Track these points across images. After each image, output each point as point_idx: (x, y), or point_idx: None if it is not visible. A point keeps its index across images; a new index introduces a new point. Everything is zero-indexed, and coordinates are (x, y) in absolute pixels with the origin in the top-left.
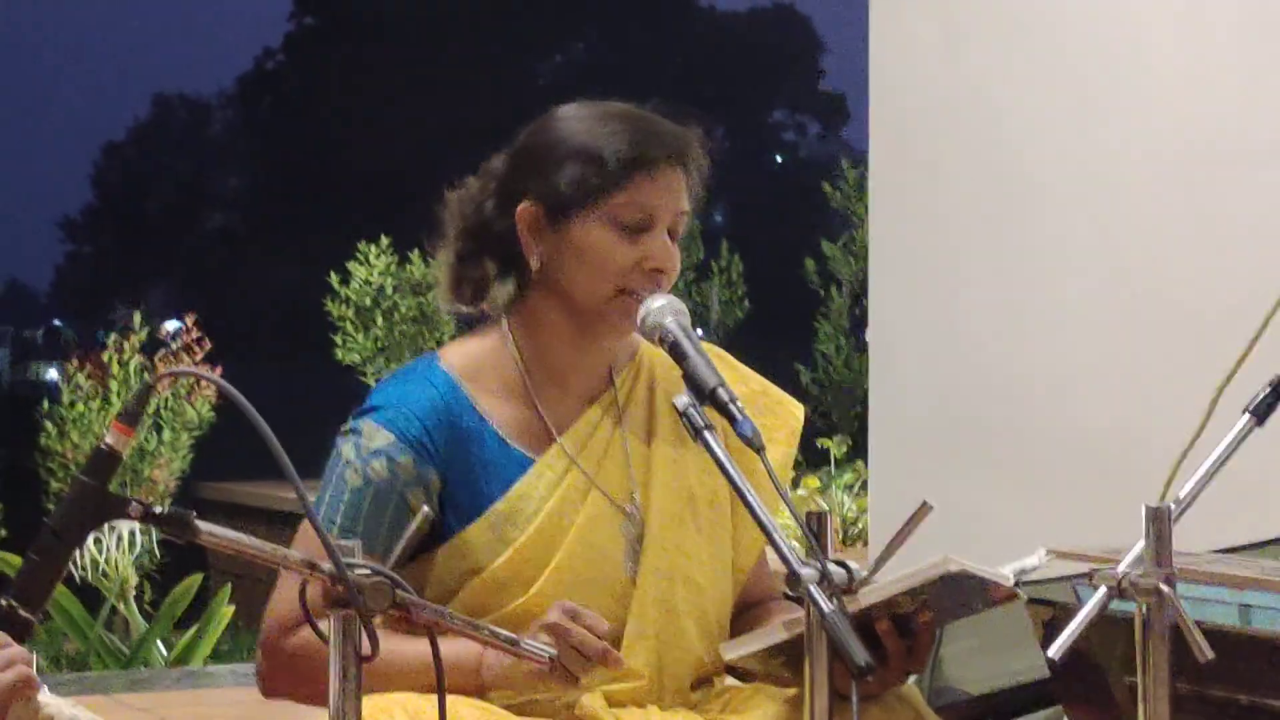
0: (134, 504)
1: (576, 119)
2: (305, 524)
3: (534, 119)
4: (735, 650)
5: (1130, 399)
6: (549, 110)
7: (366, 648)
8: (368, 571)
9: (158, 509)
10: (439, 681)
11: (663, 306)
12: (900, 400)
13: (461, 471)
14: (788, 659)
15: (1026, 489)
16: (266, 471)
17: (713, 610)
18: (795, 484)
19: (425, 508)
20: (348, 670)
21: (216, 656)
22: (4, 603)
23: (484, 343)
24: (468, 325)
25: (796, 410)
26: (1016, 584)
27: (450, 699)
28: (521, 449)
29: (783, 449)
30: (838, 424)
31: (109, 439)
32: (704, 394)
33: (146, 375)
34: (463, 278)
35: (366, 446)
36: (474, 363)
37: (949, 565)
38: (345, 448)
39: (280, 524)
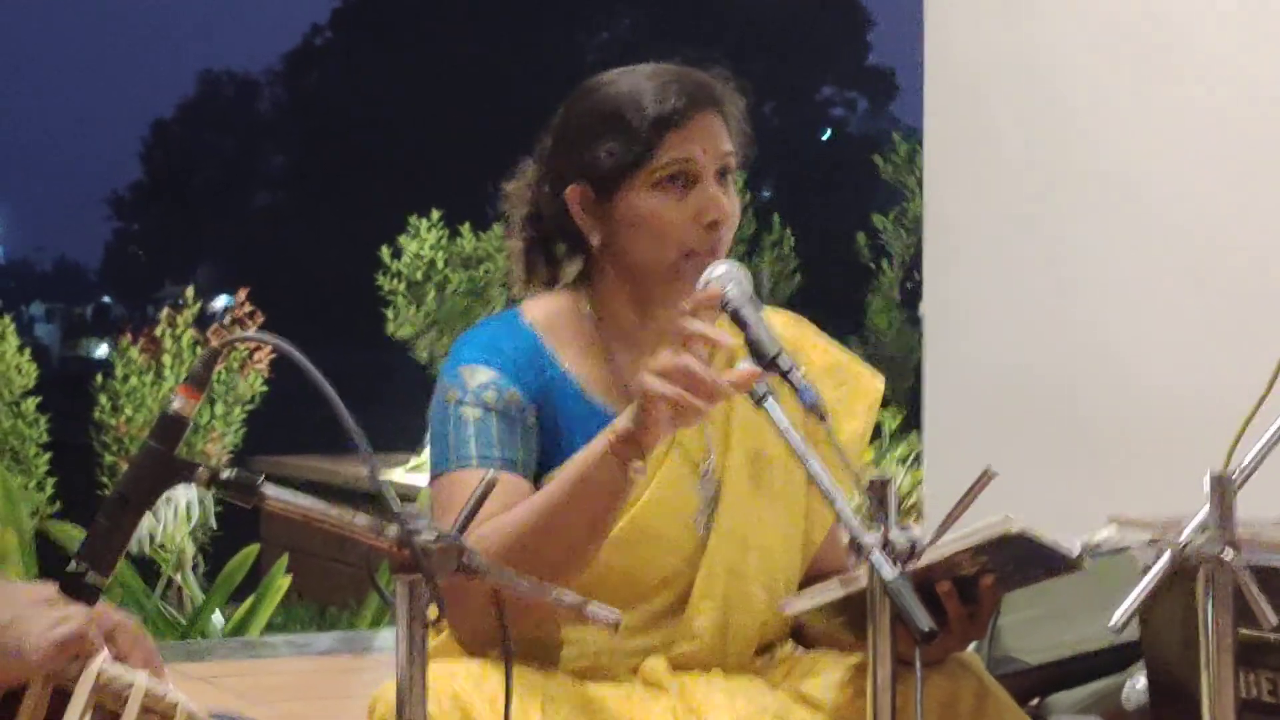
0: (201, 468)
1: (602, 91)
2: (443, 480)
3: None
4: (795, 605)
5: (1189, 368)
6: (579, 87)
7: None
8: (433, 535)
9: (225, 473)
10: (505, 649)
11: (724, 273)
12: (955, 372)
13: (548, 419)
14: (849, 619)
15: (1085, 460)
16: (318, 445)
17: (781, 576)
18: None
19: (491, 471)
20: (414, 635)
21: (271, 629)
22: (73, 567)
23: (561, 302)
24: (518, 301)
25: (876, 383)
26: (1081, 554)
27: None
28: (603, 404)
29: (861, 421)
30: (890, 397)
31: (176, 403)
32: (765, 361)
33: (200, 349)
34: (534, 264)
35: (471, 385)
36: (553, 319)
37: (1010, 525)
38: (450, 392)
39: (333, 498)
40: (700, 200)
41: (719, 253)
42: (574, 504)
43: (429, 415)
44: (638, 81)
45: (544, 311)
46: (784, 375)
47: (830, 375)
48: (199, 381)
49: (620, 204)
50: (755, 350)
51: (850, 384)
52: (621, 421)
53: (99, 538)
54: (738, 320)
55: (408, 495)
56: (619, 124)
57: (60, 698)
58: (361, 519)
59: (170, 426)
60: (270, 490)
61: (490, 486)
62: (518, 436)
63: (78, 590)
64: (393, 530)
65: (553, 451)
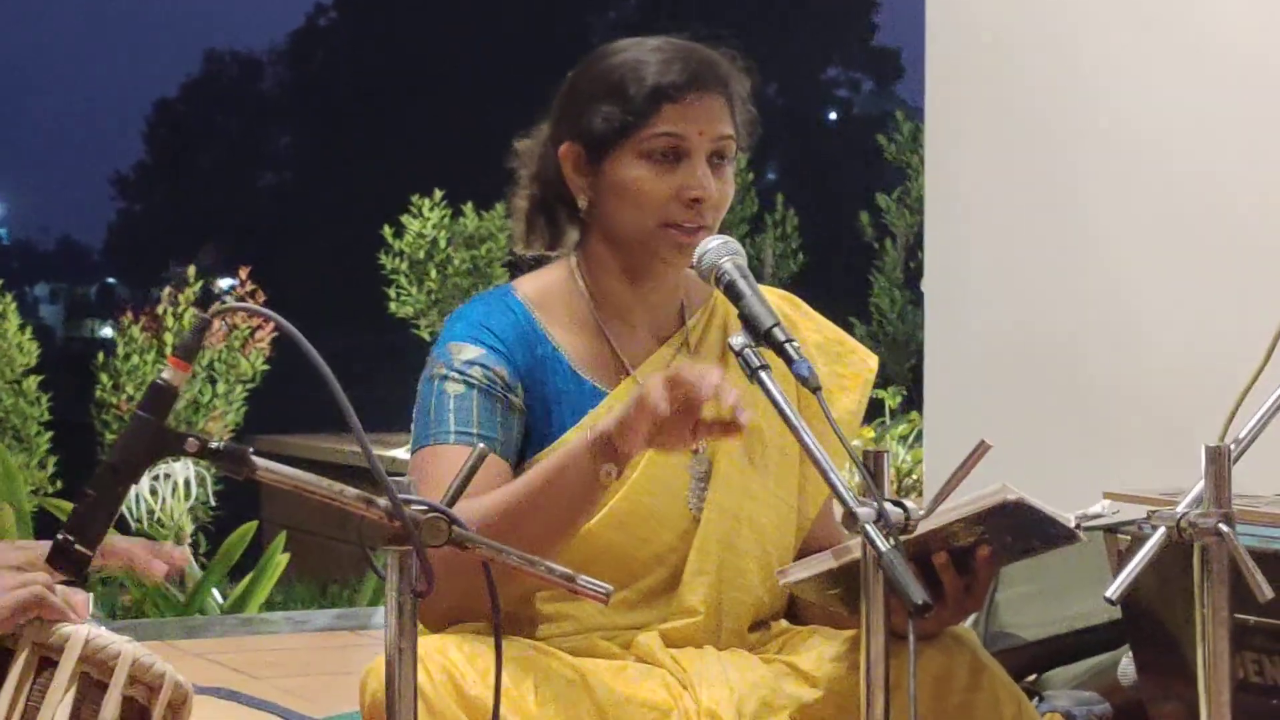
0: (191, 439)
1: (609, 57)
2: (420, 455)
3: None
4: (792, 575)
5: (1188, 347)
6: (590, 52)
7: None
8: (424, 508)
9: (214, 444)
10: (495, 620)
11: (719, 247)
12: (956, 349)
13: (538, 397)
14: (842, 592)
15: (1084, 436)
16: (320, 424)
17: (775, 552)
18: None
19: (482, 444)
20: (404, 606)
21: (270, 606)
22: (60, 538)
23: (554, 276)
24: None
25: (870, 360)
26: (1077, 527)
27: (505, 640)
28: (594, 381)
29: (855, 398)
30: (892, 376)
31: (165, 374)
32: (760, 334)
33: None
34: (536, 224)
35: (458, 360)
36: (546, 295)
37: (1006, 494)
38: (436, 368)
39: (335, 476)
40: (685, 176)
41: (702, 233)
42: (544, 497)
43: (418, 390)
44: (644, 52)
45: (536, 287)
46: (779, 348)
47: (824, 352)
48: (189, 351)
49: (608, 169)
50: (750, 323)
51: (843, 361)
52: (604, 422)
53: (87, 508)
54: (732, 293)
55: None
56: (618, 90)
57: (48, 666)
58: (351, 491)
59: (160, 396)
60: (260, 461)
61: (481, 459)
62: (498, 417)
63: (66, 560)
64: (383, 501)
65: (543, 428)
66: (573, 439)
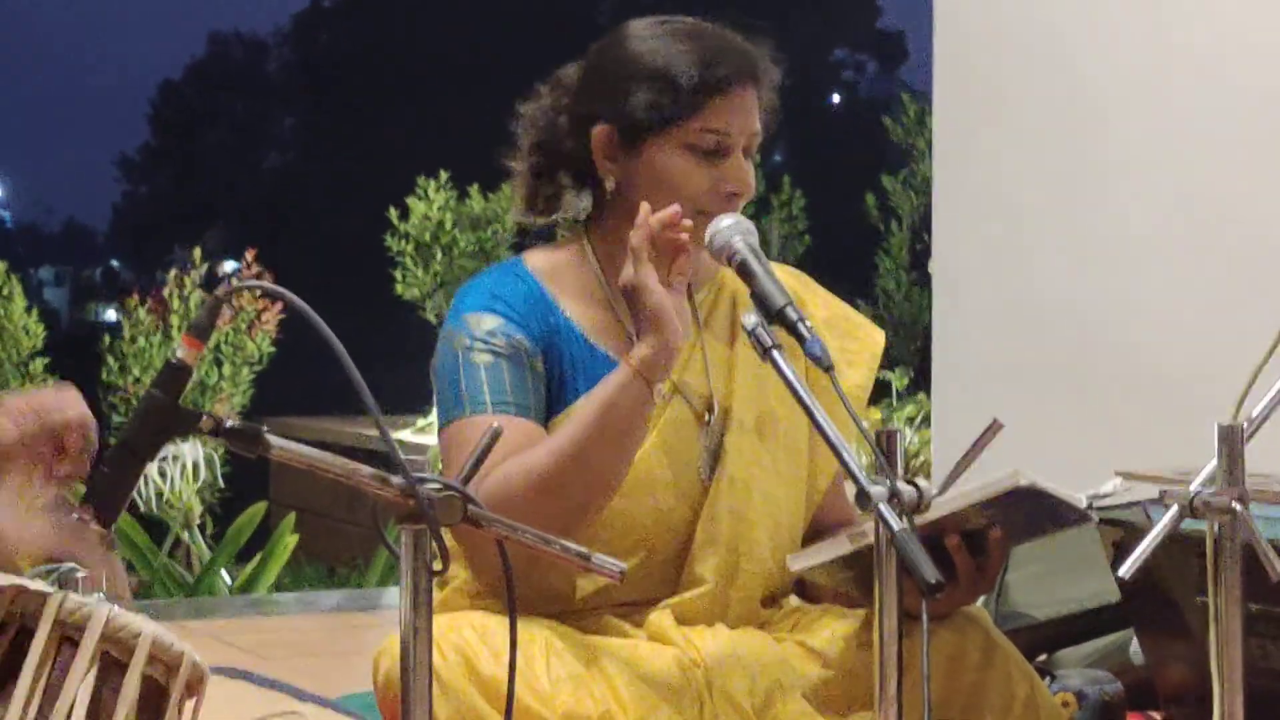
0: (205, 417)
1: (648, 38)
2: (455, 427)
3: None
4: (802, 561)
5: (1197, 324)
6: (619, 27)
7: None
8: (438, 485)
9: (229, 422)
10: (510, 599)
11: (731, 226)
12: (964, 330)
13: (554, 365)
14: (856, 575)
15: (1093, 416)
16: (326, 406)
17: (785, 524)
18: None
19: (497, 421)
20: (419, 584)
21: (279, 588)
22: (76, 516)
23: (564, 252)
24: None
25: (877, 335)
26: (1089, 507)
27: (519, 618)
28: (605, 350)
29: (863, 373)
30: (898, 357)
31: (179, 353)
32: (772, 313)
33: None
34: (537, 191)
35: (479, 330)
36: (555, 267)
37: (1019, 479)
38: (458, 339)
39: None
40: (728, 171)
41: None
42: (602, 433)
43: (434, 365)
44: (682, 38)
45: (546, 261)
46: (790, 327)
47: (832, 328)
48: (202, 331)
49: (646, 155)
50: (761, 302)
51: (851, 336)
52: (640, 349)
53: (102, 486)
54: (744, 272)
55: (415, 455)
56: (663, 77)
57: (68, 645)
58: (366, 469)
59: (173, 375)
60: (275, 440)
61: (495, 437)
62: (528, 383)
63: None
64: (398, 480)
65: (557, 397)
66: (607, 378)
